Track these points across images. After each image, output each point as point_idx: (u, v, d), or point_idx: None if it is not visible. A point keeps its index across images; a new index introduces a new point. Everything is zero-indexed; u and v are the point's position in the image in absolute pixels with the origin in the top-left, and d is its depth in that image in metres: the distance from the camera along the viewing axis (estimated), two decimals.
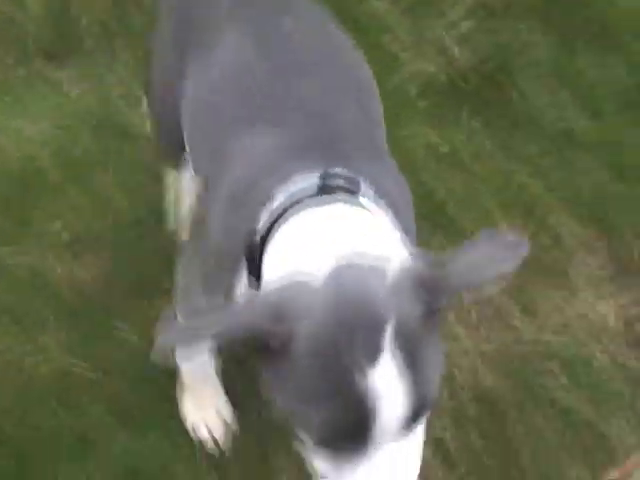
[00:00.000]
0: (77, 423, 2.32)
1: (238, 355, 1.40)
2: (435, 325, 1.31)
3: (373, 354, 1.21)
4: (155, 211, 2.64)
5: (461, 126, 2.82)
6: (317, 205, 1.46)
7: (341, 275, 1.28)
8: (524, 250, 1.32)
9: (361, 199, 1.49)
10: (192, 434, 2.31)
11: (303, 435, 1.31)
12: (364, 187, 1.52)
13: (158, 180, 2.67)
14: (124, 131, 2.90)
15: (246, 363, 1.42)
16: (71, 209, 2.72)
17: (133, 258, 2.60)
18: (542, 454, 2.27)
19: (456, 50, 2.99)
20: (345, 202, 1.46)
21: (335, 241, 1.35)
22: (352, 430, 1.24)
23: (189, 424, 2.31)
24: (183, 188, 2.41)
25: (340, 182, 1.50)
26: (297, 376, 1.26)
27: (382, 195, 1.55)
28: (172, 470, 2.26)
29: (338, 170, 1.52)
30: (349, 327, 1.23)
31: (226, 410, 2.30)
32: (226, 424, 2.30)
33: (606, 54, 3.00)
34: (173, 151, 2.20)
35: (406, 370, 1.22)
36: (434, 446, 2.26)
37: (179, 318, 1.79)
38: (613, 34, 3.04)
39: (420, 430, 1.34)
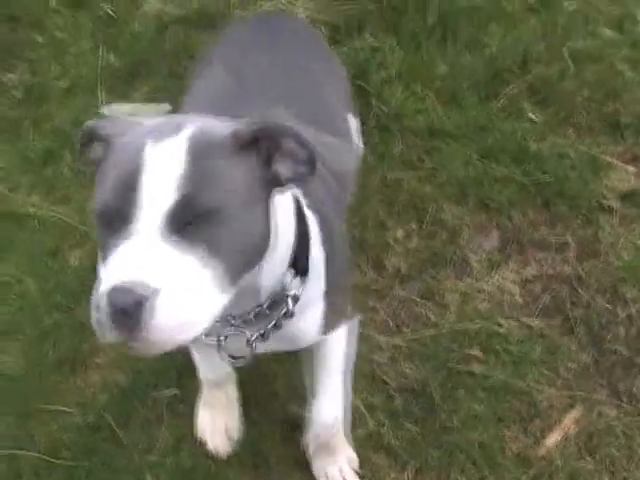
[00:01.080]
0: None
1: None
2: (264, 183, 1.44)
3: (160, 138, 1.36)
4: (70, 293, 2.67)
5: None
6: None
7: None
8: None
9: None
10: (197, 433, 2.36)
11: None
12: None
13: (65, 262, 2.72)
14: (12, 216, 2.90)
15: None
16: None
17: (53, 338, 2.59)
18: (481, 431, 2.33)
19: None
20: None
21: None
22: (122, 196, 1.32)
23: (198, 426, 2.36)
24: None
25: None
26: (105, 166, 1.42)
27: None
28: None
29: None
30: (153, 130, 1.40)
31: (235, 429, 2.35)
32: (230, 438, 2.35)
33: (460, 52, 3.16)
34: None
35: (184, 163, 1.34)
36: (374, 442, 2.33)
37: None
38: (460, 32, 3.20)
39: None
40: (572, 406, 2.37)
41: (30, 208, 2.92)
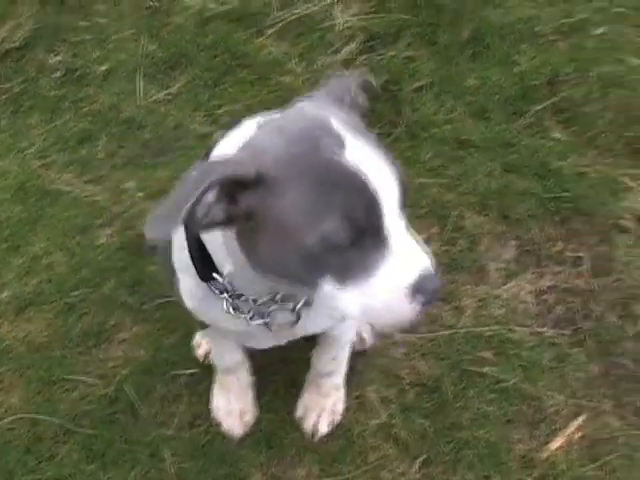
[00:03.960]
0: (57, 473, 2.37)
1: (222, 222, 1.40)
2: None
3: (339, 140, 1.37)
4: (97, 270, 2.74)
5: None
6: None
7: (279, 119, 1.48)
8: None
9: None
10: (212, 414, 2.44)
11: (323, 259, 1.39)
12: None
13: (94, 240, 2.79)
14: (45, 190, 2.97)
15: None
16: (6, 268, 2.78)
17: (79, 311, 2.67)
18: (488, 431, 2.40)
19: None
20: None
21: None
22: (368, 208, 1.36)
23: (214, 407, 2.45)
24: None
25: None
26: (287, 195, 1.36)
27: None
28: None
29: None
30: (307, 135, 1.38)
31: (250, 412, 2.44)
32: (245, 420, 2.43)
33: (488, 68, 3.25)
34: None
35: (377, 149, 1.39)
36: (384, 433, 2.41)
37: None
38: (493, 49, 3.29)
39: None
40: (578, 414, 2.43)
41: (63, 185, 3.00)
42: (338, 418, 2.43)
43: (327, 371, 2.36)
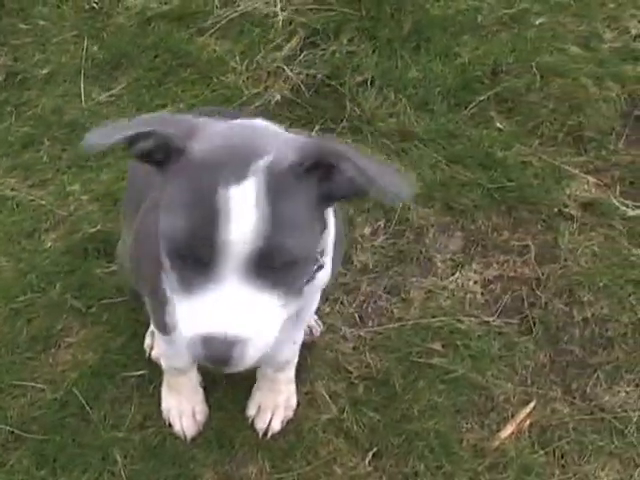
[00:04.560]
0: None
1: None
2: (321, 201, 1.44)
3: (239, 177, 1.34)
4: (44, 274, 2.71)
5: None
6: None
7: (236, 125, 1.49)
8: (408, 186, 1.42)
9: None
10: (164, 416, 2.43)
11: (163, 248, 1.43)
12: None
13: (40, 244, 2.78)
14: None
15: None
16: None
17: (26, 316, 2.64)
18: (439, 422, 2.42)
19: (288, 70, 3.23)
20: None
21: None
22: (202, 238, 1.34)
23: (164, 409, 2.44)
24: None
25: None
26: (175, 184, 1.41)
27: None
28: None
29: None
30: (229, 152, 1.38)
31: (201, 412, 2.43)
32: (197, 420, 2.42)
33: (430, 60, 3.27)
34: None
35: (265, 206, 1.34)
36: (335, 428, 2.42)
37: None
38: (434, 41, 3.32)
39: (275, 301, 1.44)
40: (527, 402, 2.46)
41: (7, 190, 2.97)
42: (291, 414, 2.43)
43: (287, 360, 2.33)
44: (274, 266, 1.38)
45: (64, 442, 2.39)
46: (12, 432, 2.41)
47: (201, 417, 2.42)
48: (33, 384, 2.49)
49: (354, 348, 2.55)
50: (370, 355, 2.53)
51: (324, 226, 1.57)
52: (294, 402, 2.44)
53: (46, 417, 2.43)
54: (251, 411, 2.43)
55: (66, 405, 2.46)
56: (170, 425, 2.42)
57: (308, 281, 1.63)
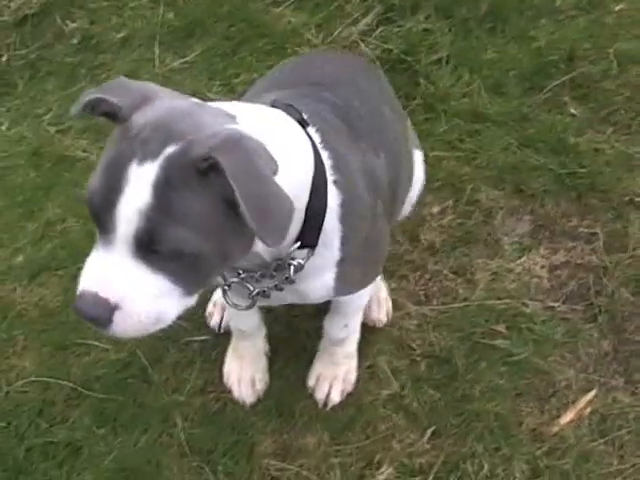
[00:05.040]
0: (68, 436, 2.39)
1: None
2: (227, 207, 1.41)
3: (146, 158, 1.39)
4: None
5: None
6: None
7: (179, 104, 1.52)
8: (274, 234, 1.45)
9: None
10: (224, 380, 2.46)
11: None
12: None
13: None
14: (60, 156, 2.98)
15: None
16: (21, 233, 2.79)
17: None
18: (499, 404, 2.41)
19: (363, 45, 3.23)
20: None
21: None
22: (104, 205, 1.41)
23: (226, 373, 2.47)
24: None
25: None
26: (108, 147, 1.47)
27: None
28: (160, 464, 2.34)
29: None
30: (152, 131, 1.41)
31: (261, 380, 2.46)
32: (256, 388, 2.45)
33: (506, 43, 3.24)
34: None
35: (159, 192, 1.38)
36: (395, 404, 2.42)
37: None
38: (511, 24, 3.29)
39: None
40: (588, 389, 2.44)
41: (79, 152, 3.00)
42: (350, 387, 2.44)
43: (340, 338, 2.36)
44: (159, 251, 1.42)
45: (125, 402, 2.43)
46: (75, 389, 2.45)
47: (261, 385, 2.44)
48: (97, 343, 2.52)
49: (418, 325, 2.55)
50: (433, 333, 2.53)
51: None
52: (353, 376, 2.45)
53: (108, 377, 2.47)
54: (311, 381, 2.44)
55: (129, 366, 2.49)
56: (230, 391, 2.44)
57: (285, 282, 1.75)
